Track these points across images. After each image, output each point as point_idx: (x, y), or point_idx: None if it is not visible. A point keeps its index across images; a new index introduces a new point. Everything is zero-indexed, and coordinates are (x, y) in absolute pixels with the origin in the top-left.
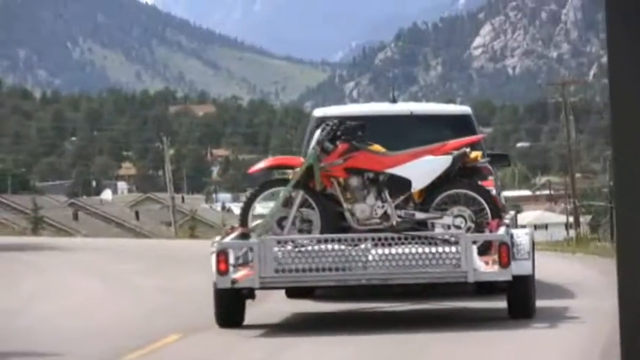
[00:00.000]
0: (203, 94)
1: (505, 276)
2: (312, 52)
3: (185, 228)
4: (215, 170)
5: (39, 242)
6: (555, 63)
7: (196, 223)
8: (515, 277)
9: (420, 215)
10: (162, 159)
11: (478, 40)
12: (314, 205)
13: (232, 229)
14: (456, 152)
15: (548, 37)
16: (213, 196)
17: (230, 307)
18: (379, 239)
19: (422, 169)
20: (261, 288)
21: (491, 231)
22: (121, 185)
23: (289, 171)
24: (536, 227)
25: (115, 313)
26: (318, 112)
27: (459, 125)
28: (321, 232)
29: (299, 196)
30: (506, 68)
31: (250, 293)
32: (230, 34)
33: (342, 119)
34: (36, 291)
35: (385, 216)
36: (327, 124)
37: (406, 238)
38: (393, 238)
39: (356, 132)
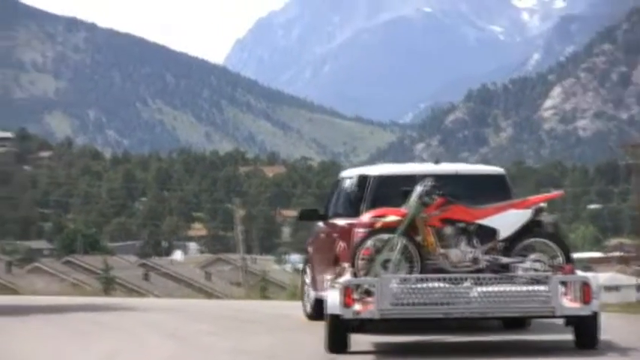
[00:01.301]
0: (273, 155)
1: (586, 311)
2: (381, 113)
3: (256, 289)
4: (286, 231)
5: (111, 303)
6: (626, 125)
7: (267, 284)
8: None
9: (504, 260)
10: (233, 219)
11: (548, 102)
12: (412, 249)
13: (343, 269)
14: (534, 206)
15: (618, 98)
16: (284, 257)
17: (341, 336)
18: (479, 279)
19: (507, 220)
20: (380, 319)
21: (565, 274)
22: (192, 246)
23: None
24: (607, 289)
25: None
26: (374, 170)
27: (495, 184)
28: (420, 273)
29: (401, 241)
30: (577, 130)
31: (359, 325)
32: (299, 95)
33: (411, 178)
34: (110, 352)
35: (475, 260)
36: (425, 183)
37: (502, 278)
38: (490, 278)
39: (442, 189)
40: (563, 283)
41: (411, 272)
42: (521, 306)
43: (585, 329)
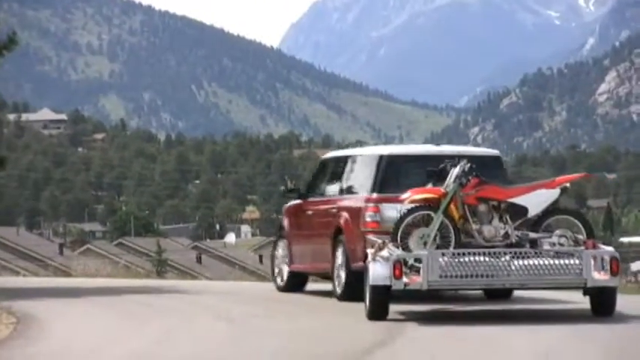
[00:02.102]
0: (327, 138)
1: (614, 282)
2: (436, 97)
3: None
4: None
5: (163, 285)
6: None
7: None
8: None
9: (532, 235)
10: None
11: (603, 87)
12: (448, 226)
13: (384, 243)
14: (561, 186)
15: None
16: None
17: (383, 305)
18: (518, 253)
19: (536, 199)
20: (428, 290)
21: (587, 248)
22: (245, 229)
23: None
24: None
25: (243, 356)
26: (384, 150)
27: (491, 164)
28: (455, 247)
29: (439, 218)
30: (631, 114)
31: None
32: (355, 79)
33: (419, 157)
34: (162, 334)
35: (506, 235)
36: (462, 165)
37: (539, 253)
38: (528, 252)
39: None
40: (594, 257)
41: (447, 247)
42: (556, 278)
43: (605, 299)
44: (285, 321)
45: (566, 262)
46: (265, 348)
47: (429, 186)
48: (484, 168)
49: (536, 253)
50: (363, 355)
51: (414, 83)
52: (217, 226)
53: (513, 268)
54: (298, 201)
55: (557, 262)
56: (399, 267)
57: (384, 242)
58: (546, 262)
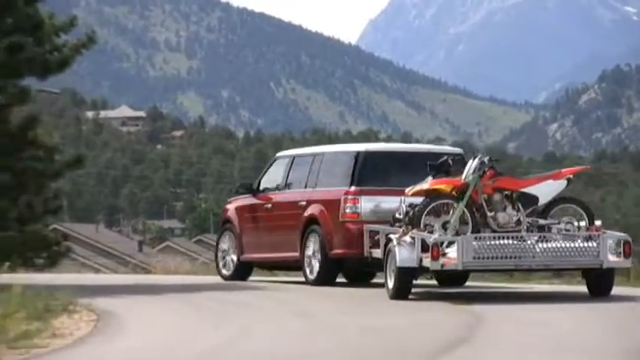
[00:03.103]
0: (406, 135)
1: (627, 264)
2: (515, 93)
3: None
4: None
5: (243, 282)
6: None
7: None
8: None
9: (542, 222)
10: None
11: None
12: (467, 213)
13: (407, 228)
14: (567, 177)
15: None
16: None
17: (407, 285)
18: (542, 236)
19: (546, 189)
20: (463, 270)
21: (590, 235)
22: None
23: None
24: None
25: (319, 352)
26: (360, 147)
27: (456, 162)
28: (472, 232)
29: (460, 206)
30: None
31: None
32: (433, 75)
33: (394, 154)
34: (240, 329)
35: (518, 221)
36: (480, 158)
37: (562, 236)
38: (551, 236)
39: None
40: (610, 240)
41: (464, 233)
42: (576, 259)
43: (604, 280)
44: (362, 316)
45: (585, 245)
46: (341, 344)
47: (430, 179)
48: (449, 165)
49: (559, 236)
50: (445, 351)
51: (493, 80)
52: None
53: (538, 250)
54: (247, 196)
55: (576, 244)
56: (437, 249)
57: (407, 227)
58: (567, 245)
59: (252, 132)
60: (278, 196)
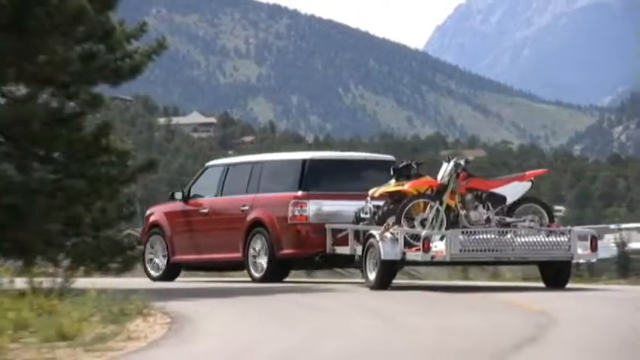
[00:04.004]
0: (473, 139)
1: (594, 257)
2: (580, 97)
3: (457, 269)
4: None
5: (314, 285)
6: None
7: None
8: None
9: (508, 219)
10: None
11: None
12: (442, 211)
13: (389, 225)
14: (531, 179)
15: None
16: None
17: (390, 276)
18: (519, 231)
19: (513, 190)
20: (450, 262)
21: (551, 231)
22: None
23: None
24: None
25: (394, 352)
26: (306, 155)
27: (387, 167)
28: (446, 229)
29: (436, 205)
30: None
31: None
32: (499, 79)
33: (336, 161)
34: (314, 331)
35: (487, 219)
36: (456, 162)
37: (538, 232)
38: (528, 231)
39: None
40: (579, 236)
41: (440, 229)
42: (550, 252)
43: (562, 272)
44: (436, 317)
45: (558, 239)
46: (414, 344)
47: (393, 182)
48: (382, 170)
49: (534, 231)
50: (517, 350)
51: (558, 83)
52: None
53: (517, 244)
54: (174, 203)
55: (550, 239)
56: (428, 242)
57: (389, 225)
58: (542, 240)
59: (322, 137)
60: (215, 201)
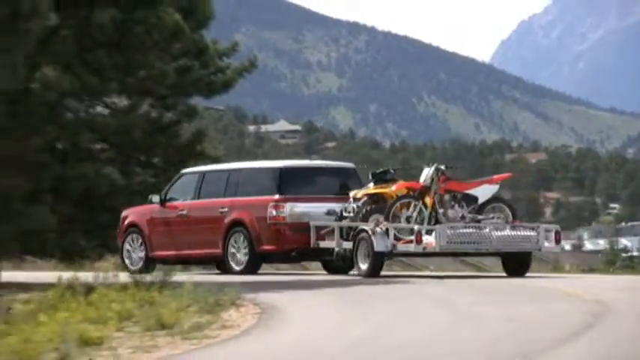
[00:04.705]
0: (535, 143)
1: (557, 249)
2: (633, 104)
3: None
4: (547, 211)
5: (384, 278)
6: None
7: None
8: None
9: (479, 217)
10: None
11: None
12: (423, 209)
13: (379, 222)
14: (498, 182)
15: None
16: None
17: (380, 266)
18: (496, 226)
19: (484, 191)
20: (439, 252)
21: (515, 226)
22: None
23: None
24: None
25: (461, 340)
26: (281, 164)
27: (349, 173)
28: (427, 225)
29: (419, 204)
30: None
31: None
32: (558, 89)
33: (306, 169)
34: (386, 320)
35: (462, 217)
36: (437, 168)
37: (513, 227)
38: (503, 226)
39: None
40: (545, 231)
41: (422, 224)
42: (521, 245)
43: (523, 263)
44: (499, 306)
45: (528, 234)
46: (481, 334)
47: (371, 185)
48: (344, 175)
49: (509, 227)
50: (575, 338)
51: (612, 92)
52: None
53: (494, 237)
54: (154, 206)
55: (521, 233)
56: (420, 235)
57: (378, 221)
58: (515, 234)
59: (397, 142)
60: (193, 204)
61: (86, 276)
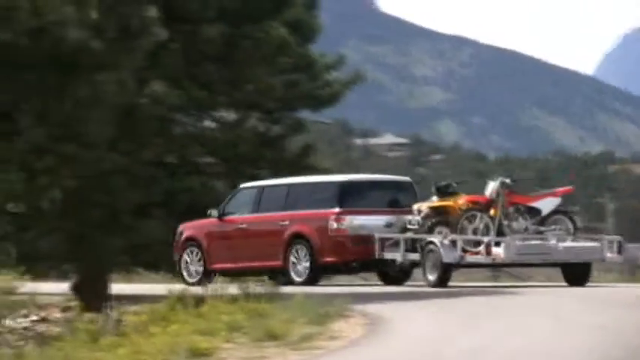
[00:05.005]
0: (637, 154)
1: (619, 259)
2: None
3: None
4: None
5: (497, 288)
6: None
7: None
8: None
9: (542, 228)
10: (604, 212)
11: None
12: (489, 221)
13: (447, 234)
14: (561, 195)
15: None
16: None
17: (449, 276)
18: (561, 237)
19: (547, 204)
20: (508, 264)
21: (578, 237)
22: None
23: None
24: None
25: (567, 350)
26: (342, 178)
27: (406, 187)
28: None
29: (485, 217)
30: None
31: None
32: None
33: (366, 183)
34: (497, 329)
35: (526, 228)
36: (502, 181)
37: (576, 238)
38: (569, 237)
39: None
40: (609, 242)
41: (487, 236)
42: (586, 255)
43: (583, 273)
44: (607, 315)
45: (592, 245)
46: (591, 342)
47: (434, 199)
48: (401, 189)
49: (576, 238)
50: None
51: None
52: None
53: (560, 248)
54: (212, 219)
55: (586, 244)
56: (490, 247)
57: (447, 233)
58: (579, 245)
59: (502, 154)
60: (252, 218)
61: (196, 288)
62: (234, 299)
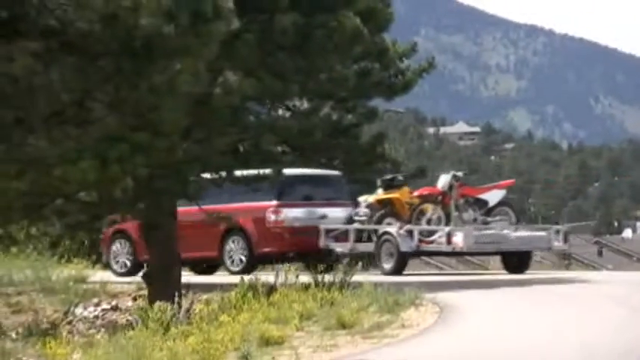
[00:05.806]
0: None
1: (565, 247)
2: None
3: None
4: None
5: (569, 276)
6: None
7: None
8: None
9: (488, 219)
10: None
11: None
12: (441, 212)
13: (403, 224)
14: (505, 188)
15: None
16: None
17: (404, 264)
18: (514, 228)
19: (493, 196)
20: (465, 252)
21: (521, 227)
22: None
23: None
24: None
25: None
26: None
27: (335, 180)
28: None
29: (438, 208)
30: None
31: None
32: None
33: (303, 177)
34: (567, 317)
35: (475, 219)
36: (454, 175)
37: (526, 228)
38: (519, 227)
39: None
40: (556, 232)
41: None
42: (535, 244)
43: (526, 260)
44: None
45: (540, 234)
46: None
47: (380, 192)
48: (333, 183)
49: (524, 228)
50: None
51: None
52: (615, 223)
53: (512, 237)
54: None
55: (535, 234)
56: (450, 237)
57: (403, 223)
58: (530, 234)
59: (575, 143)
60: (187, 211)
61: (267, 277)
62: (305, 288)
